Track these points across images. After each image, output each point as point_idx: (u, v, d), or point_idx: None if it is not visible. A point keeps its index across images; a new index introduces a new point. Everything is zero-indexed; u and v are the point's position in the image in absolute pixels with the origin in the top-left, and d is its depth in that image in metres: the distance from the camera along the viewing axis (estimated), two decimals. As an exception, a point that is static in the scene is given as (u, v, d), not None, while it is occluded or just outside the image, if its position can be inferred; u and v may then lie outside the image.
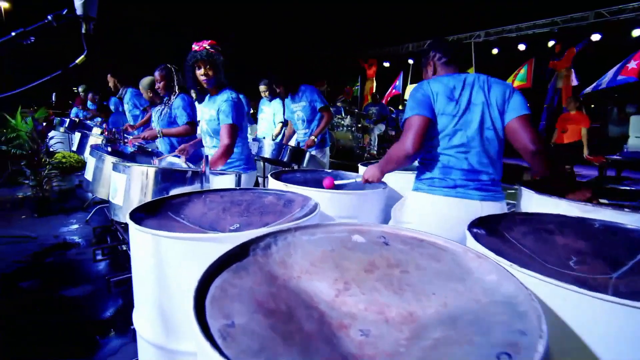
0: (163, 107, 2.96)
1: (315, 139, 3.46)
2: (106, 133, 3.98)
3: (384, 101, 11.07)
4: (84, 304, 2.46)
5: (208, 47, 2.01)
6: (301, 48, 15.30)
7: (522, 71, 10.24)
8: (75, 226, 3.96)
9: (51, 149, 4.90)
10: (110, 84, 4.63)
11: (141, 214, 1.09)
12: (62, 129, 6.08)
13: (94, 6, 0.83)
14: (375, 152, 8.24)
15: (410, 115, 1.43)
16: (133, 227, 0.94)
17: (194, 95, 5.42)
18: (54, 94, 8.05)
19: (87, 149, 2.81)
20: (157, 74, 2.92)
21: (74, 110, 7.59)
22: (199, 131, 2.46)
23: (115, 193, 1.53)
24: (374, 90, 11.16)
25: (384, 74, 13.87)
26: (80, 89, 6.33)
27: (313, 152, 3.51)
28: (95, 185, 1.96)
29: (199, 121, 2.34)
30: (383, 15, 14.62)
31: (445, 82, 1.46)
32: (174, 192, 1.51)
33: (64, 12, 0.78)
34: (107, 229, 3.73)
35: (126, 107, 4.36)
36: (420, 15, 13.81)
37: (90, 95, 6.34)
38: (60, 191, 4.97)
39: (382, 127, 8.56)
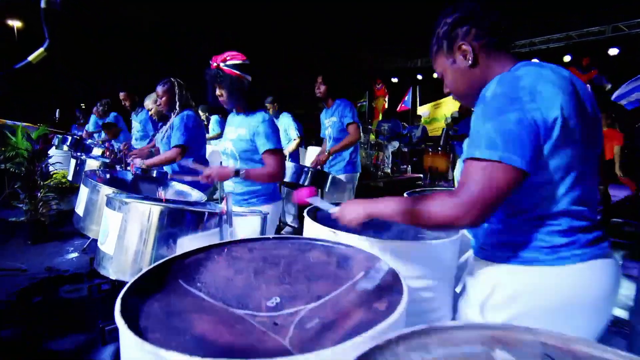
0: (166, 127, 2.65)
1: (330, 156, 3.11)
2: (107, 153, 3.66)
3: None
4: (72, 360, 2.07)
5: (221, 65, 1.76)
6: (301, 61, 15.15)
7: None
8: (72, 255, 3.59)
9: (50, 168, 4.57)
10: (127, 103, 4.24)
11: (136, 298, 0.71)
12: (65, 147, 5.79)
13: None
14: (389, 170, 7.88)
15: (490, 159, 0.79)
16: (125, 333, 0.57)
17: (202, 114, 5.10)
18: (57, 110, 7.82)
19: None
20: (159, 89, 2.62)
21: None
22: (210, 152, 2.10)
23: (105, 237, 1.16)
24: (386, 107, 10.86)
25: (392, 90, 13.62)
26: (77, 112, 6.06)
27: (340, 176, 3.15)
28: (87, 222, 1.60)
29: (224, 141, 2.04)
30: (390, 29, 14.50)
31: (557, 80, 0.83)
32: (185, 241, 1.14)
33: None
34: (106, 259, 3.35)
35: (136, 126, 4.00)
36: (430, 29, 13.64)
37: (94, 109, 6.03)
38: (58, 214, 4.63)
39: (395, 144, 8.23)
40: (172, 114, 2.61)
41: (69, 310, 2.55)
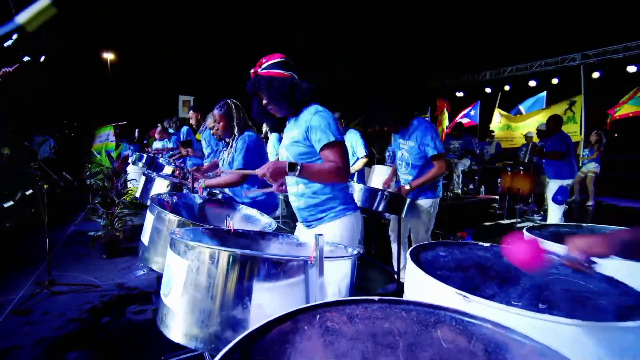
0: (226, 152, 2.51)
1: (411, 191, 2.70)
2: (177, 172, 3.69)
3: (447, 129, 10.05)
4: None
5: (258, 71, 1.59)
6: (366, 77, 14.99)
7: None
8: (141, 272, 3.62)
9: (129, 185, 4.81)
10: (193, 120, 4.34)
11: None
12: (140, 164, 6.16)
13: None
14: (459, 191, 7.21)
15: None
16: None
17: (265, 129, 5.02)
18: (136, 129, 8.47)
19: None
20: (215, 112, 2.49)
21: (155, 143, 7.80)
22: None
23: (168, 288, 0.95)
24: (443, 124, 10.12)
25: (457, 105, 12.81)
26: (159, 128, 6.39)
27: (420, 201, 2.76)
28: (151, 253, 1.44)
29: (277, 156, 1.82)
30: (457, 41, 13.84)
31: None
32: (262, 297, 0.88)
33: None
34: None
35: (203, 144, 4.04)
36: (498, 40, 12.79)
37: (158, 129, 6.33)
38: (132, 229, 4.81)
39: (466, 162, 7.54)
40: (231, 137, 2.48)
41: (134, 335, 2.47)
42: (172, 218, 1.43)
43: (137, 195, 2.66)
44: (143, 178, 2.63)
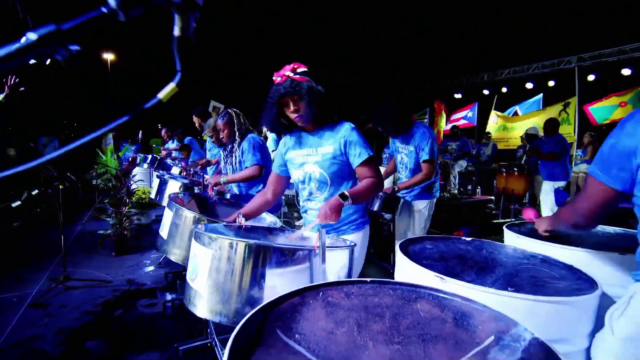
0: (230, 155, 2.68)
1: (398, 192, 2.86)
2: (184, 173, 3.86)
3: (444, 131, 10.25)
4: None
5: (292, 75, 1.52)
6: (365, 79, 15.17)
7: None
8: (149, 268, 3.79)
9: (133, 185, 4.99)
10: (198, 124, 4.50)
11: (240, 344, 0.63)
12: (145, 165, 6.33)
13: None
14: (456, 192, 7.38)
15: (590, 174, 1.13)
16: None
17: (269, 134, 5.20)
18: (140, 131, 8.63)
19: (166, 198, 2.58)
20: (219, 122, 2.65)
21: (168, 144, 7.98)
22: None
23: (195, 273, 1.12)
24: (439, 127, 10.32)
25: (455, 107, 12.97)
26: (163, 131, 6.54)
27: (415, 202, 2.92)
28: (170, 246, 1.61)
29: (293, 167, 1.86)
30: (455, 44, 14.04)
31: None
32: (274, 279, 1.05)
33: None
34: (179, 275, 3.49)
35: (207, 145, 4.23)
36: (495, 43, 12.99)
37: (163, 132, 6.48)
38: (138, 228, 4.99)
39: (463, 163, 7.72)
40: (233, 144, 2.65)
41: (146, 326, 2.64)
42: (188, 214, 1.60)
43: (152, 196, 2.84)
44: (157, 181, 2.81)
